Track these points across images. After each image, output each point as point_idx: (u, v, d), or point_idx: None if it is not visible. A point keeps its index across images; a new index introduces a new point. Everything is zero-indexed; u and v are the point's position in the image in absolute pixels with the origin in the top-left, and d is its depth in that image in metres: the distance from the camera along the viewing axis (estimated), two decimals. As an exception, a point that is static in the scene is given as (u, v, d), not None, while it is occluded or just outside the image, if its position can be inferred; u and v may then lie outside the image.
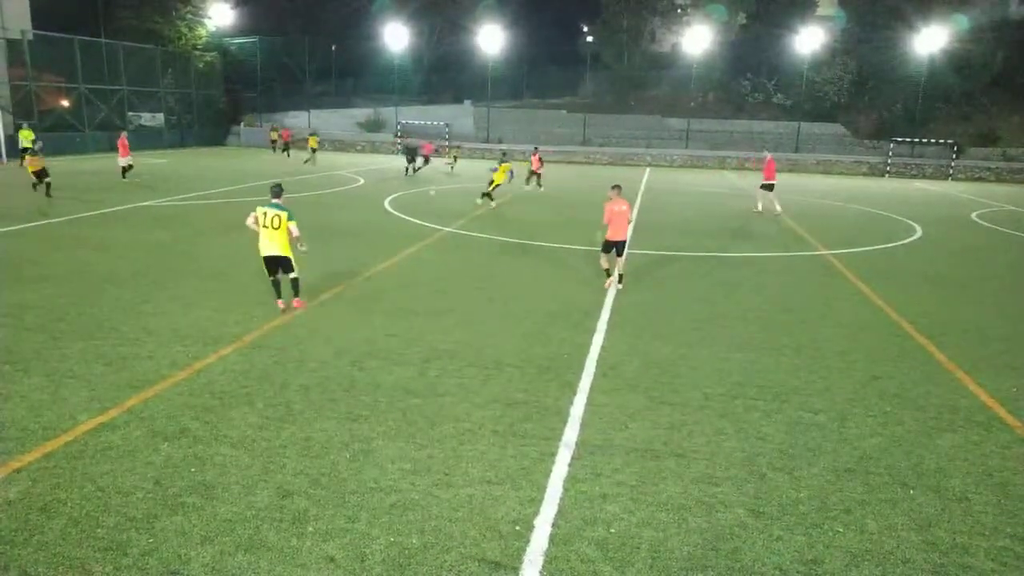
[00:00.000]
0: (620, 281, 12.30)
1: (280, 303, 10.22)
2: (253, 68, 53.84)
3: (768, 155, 24.82)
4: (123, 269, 12.47)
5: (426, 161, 35.49)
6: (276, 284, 10.28)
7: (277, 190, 9.99)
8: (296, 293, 10.33)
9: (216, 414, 6.74)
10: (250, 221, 9.94)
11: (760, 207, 23.79)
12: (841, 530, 5.20)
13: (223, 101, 51.47)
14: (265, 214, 9.81)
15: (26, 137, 29.72)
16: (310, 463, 5.89)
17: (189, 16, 48.83)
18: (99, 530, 4.88)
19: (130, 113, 43.55)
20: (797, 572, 4.70)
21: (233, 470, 5.73)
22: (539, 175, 28.30)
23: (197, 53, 48.99)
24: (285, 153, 40.87)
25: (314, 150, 36.47)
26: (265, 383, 7.54)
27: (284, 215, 9.81)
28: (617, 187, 12.22)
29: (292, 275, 10.15)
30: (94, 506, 5.16)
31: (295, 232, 9.92)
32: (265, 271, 10.22)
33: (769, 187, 23.24)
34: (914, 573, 4.73)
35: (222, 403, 6.99)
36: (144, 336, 8.89)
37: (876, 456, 6.38)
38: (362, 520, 5.11)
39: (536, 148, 31.01)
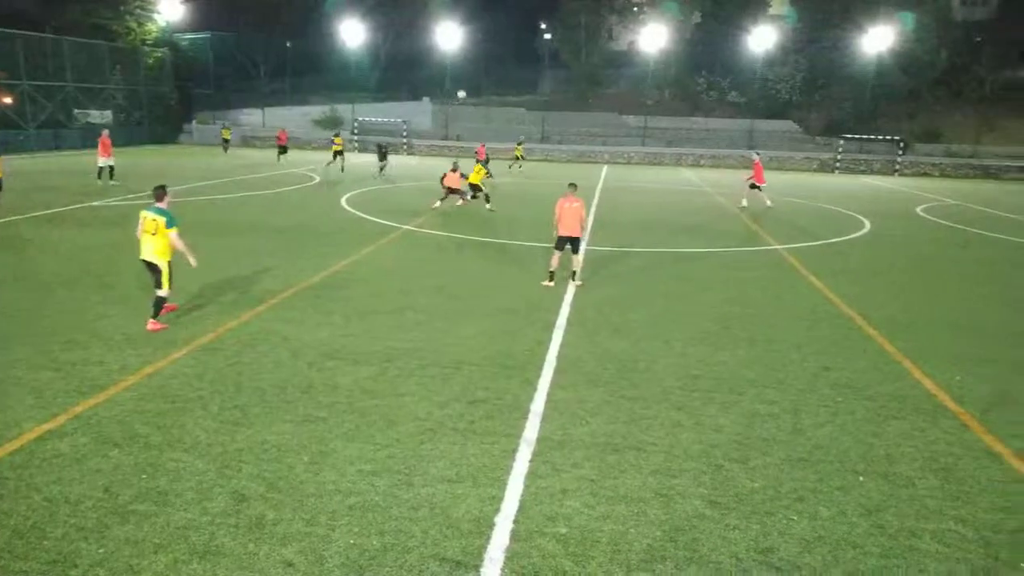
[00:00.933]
0: (574, 278, 12.32)
1: (153, 324, 9.12)
2: (205, 64, 52.72)
3: (756, 157, 26.16)
4: (71, 271, 12.11)
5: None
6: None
7: (159, 192, 9.15)
8: (154, 314, 9.15)
9: (169, 419, 6.59)
10: (139, 230, 9.18)
11: (745, 202, 24.92)
12: (795, 518, 5.32)
13: (174, 98, 50.23)
14: (144, 218, 9.04)
15: None
16: (267, 467, 5.80)
17: (138, 11, 47.56)
18: (46, 542, 4.73)
19: (77, 111, 42.24)
20: (753, 560, 4.80)
21: (187, 476, 5.61)
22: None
23: (147, 49, 47.74)
24: (280, 158, 36.75)
25: (338, 153, 32.88)
26: (219, 386, 7.40)
27: (162, 221, 8.93)
28: (573, 185, 12.26)
29: (158, 291, 9.10)
30: (40, 517, 5.00)
31: (176, 243, 9.00)
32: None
33: (757, 187, 24.63)
34: (864, 557, 4.87)
35: (175, 407, 6.84)
36: (93, 340, 8.65)
37: (827, 445, 6.54)
38: (321, 523, 5.05)
39: (483, 144, 31.26)
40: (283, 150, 37.56)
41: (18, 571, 4.44)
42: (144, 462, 5.79)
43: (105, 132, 24.91)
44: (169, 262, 9.17)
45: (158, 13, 48.72)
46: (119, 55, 45.33)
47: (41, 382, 7.32)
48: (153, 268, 9.13)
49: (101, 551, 4.66)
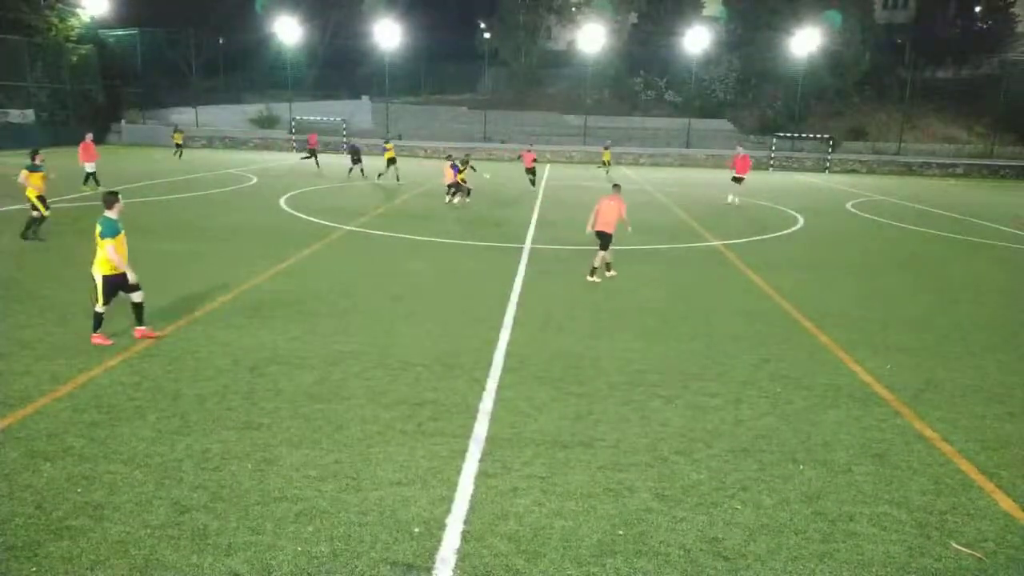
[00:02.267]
0: (608, 270, 13.06)
1: (94, 338, 8.56)
2: (134, 62, 50.78)
3: (741, 151, 27.05)
4: (-8, 278, 11.51)
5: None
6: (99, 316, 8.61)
7: (109, 198, 8.48)
8: (139, 320, 8.79)
9: (104, 430, 6.34)
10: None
11: (732, 198, 25.78)
12: (739, 507, 5.46)
13: (101, 96, 48.24)
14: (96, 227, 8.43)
15: None
16: (209, 476, 5.63)
17: (60, 5, 45.43)
18: (-28, 562, 4.49)
19: (-5, 110, 40.22)
20: (700, 550, 4.90)
21: (124, 488, 5.40)
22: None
23: (70, 45, 45.70)
24: (312, 160, 33.96)
25: (391, 160, 29.45)
26: (157, 395, 7.15)
27: (97, 230, 8.30)
28: (616, 186, 12.91)
29: (133, 298, 8.62)
30: (-34, 537, 4.74)
31: (111, 256, 8.25)
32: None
33: (739, 180, 25.66)
34: (806, 543, 5.03)
35: (110, 418, 6.58)
36: (19, 349, 8.25)
37: (768, 435, 6.73)
38: (267, 531, 4.94)
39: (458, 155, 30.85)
40: (312, 154, 34.23)
41: (-58, 596, 4.20)
42: (78, 475, 5.55)
43: (89, 136, 23.25)
44: (106, 276, 8.36)
45: (81, 8, 46.65)
46: (40, 52, 43.28)
47: (-38, 395, 6.94)
48: (110, 280, 8.44)
49: (34, 570, 4.45)
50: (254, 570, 4.53)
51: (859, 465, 6.18)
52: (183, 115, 51.15)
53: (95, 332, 8.58)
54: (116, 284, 8.47)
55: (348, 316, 10.13)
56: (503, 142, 49.71)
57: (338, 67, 61.24)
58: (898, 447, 6.55)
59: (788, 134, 48.06)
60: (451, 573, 4.58)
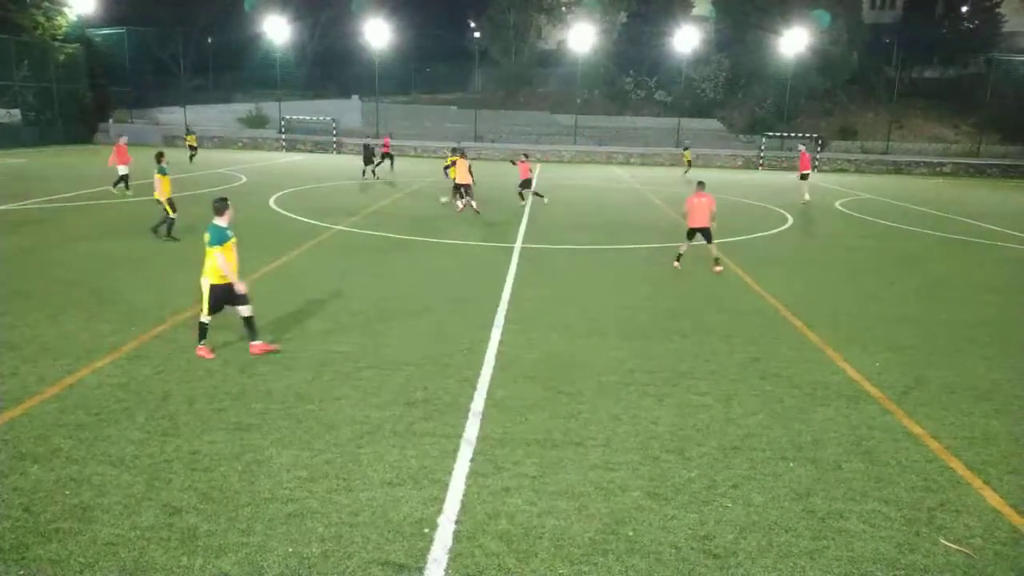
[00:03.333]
0: (717, 263, 14.02)
1: (198, 349, 8.29)
2: (122, 61, 50.45)
3: (802, 149, 28.15)
4: (-22, 279, 11.41)
5: (386, 159, 32.27)
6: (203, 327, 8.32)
7: (219, 206, 8.24)
8: (252, 335, 8.40)
9: (92, 431, 6.29)
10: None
11: (808, 196, 26.90)
12: (730, 505, 5.48)
13: (88, 96, 47.88)
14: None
15: None
16: (199, 477, 5.60)
17: (47, 4, 45.05)
18: (-41, 566, 4.45)
19: (-21, 109, 39.88)
20: (691, 549, 4.91)
21: (113, 490, 5.37)
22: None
23: (57, 44, 45.33)
24: (385, 166, 32.36)
25: (448, 169, 26.12)
26: (146, 396, 7.11)
27: (205, 237, 8.09)
28: (701, 184, 13.98)
29: (242, 312, 8.28)
30: (-48, 540, 4.70)
31: (220, 264, 7.97)
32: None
33: (804, 177, 27.10)
34: (796, 540, 5.05)
35: (99, 419, 6.53)
36: (5, 351, 8.18)
37: (759, 433, 6.76)
38: (257, 533, 4.92)
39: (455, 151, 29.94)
40: (388, 157, 32.79)
41: (-72, 600, 4.16)
42: (66, 477, 5.51)
43: (123, 139, 22.81)
44: (214, 285, 8.07)
45: (68, 7, 46.29)
46: (26, 50, 42.93)
47: (-52, 397, 6.88)
48: (217, 291, 8.16)
49: (22, 573, 4.41)
50: (245, 571, 4.51)
51: (849, 462, 6.22)
52: (171, 114, 50.90)
53: (200, 344, 8.25)
54: (223, 294, 8.11)
55: (338, 316, 10.10)
56: (493, 141, 49.68)
57: (328, 66, 61.08)
58: (887, 444, 6.59)
59: (778, 133, 48.27)
60: (443, 573, 4.57)
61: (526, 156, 24.55)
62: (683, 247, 14.14)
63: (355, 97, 56.85)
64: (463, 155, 21.82)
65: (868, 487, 5.81)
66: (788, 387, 7.96)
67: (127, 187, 22.20)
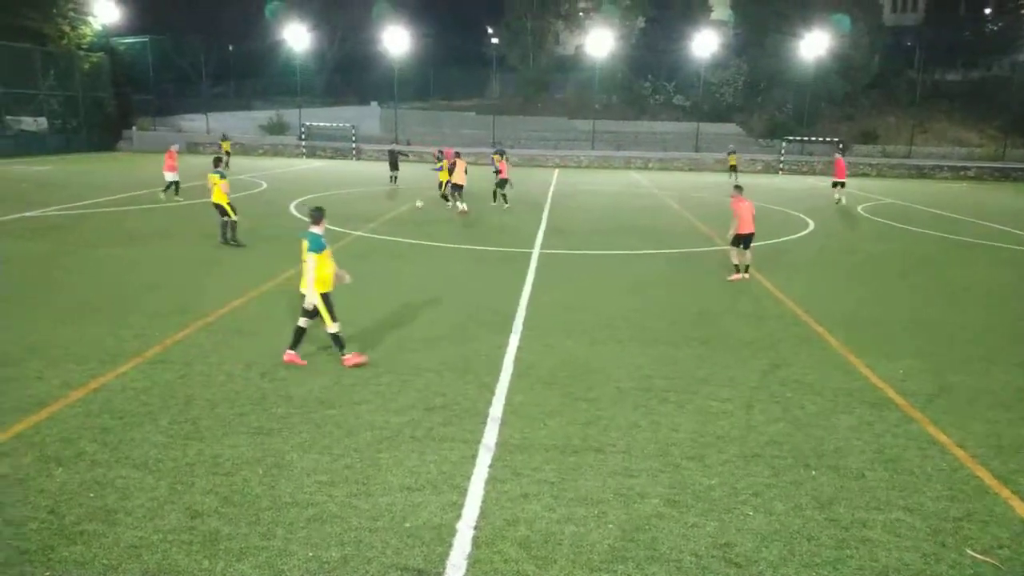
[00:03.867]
0: (746, 271, 13.55)
1: (346, 359, 8.26)
2: (144, 69, 51.16)
3: (838, 156, 28.55)
4: (4, 285, 11.60)
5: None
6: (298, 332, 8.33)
7: (316, 215, 8.24)
8: (339, 348, 8.29)
9: (116, 435, 6.37)
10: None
11: (841, 199, 27.20)
12: (751, 513, 5.43)
13: (112, 104, 48.60)
14: (301, 244, 8.12)
15: None
16: (220, 481, 5.65)
17: (72, 14, 45.83)
18: (-13, 567, 4.52)
19: (8, 117, 40.58)
20: (712, 557, 4.87)
21: (137, 493, 5.43)
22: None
23: (82, 53, 46.09)
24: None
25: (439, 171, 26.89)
26: (169, 400, 7.18)
27: (304, 245, 8.01)
28: (739, 187, 13.88)
29: (327, 329, 8.16)
30: (-20, 542, 4.77)
31: (307, 272, 7.94)
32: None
33: (840, 184, 27.23)
34: (819, 549, 4.99)
35: (123, 423, 6.61)
36: (30, 356, 8.30)
37: (780, 440, 6.69)
38: (278, 536, 4.95)
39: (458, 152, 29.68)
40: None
41: (-43, 600, 4.23)
42: (91, 480, 5.58)
43: (174, 146, 23.22)
44: (324, 294, 8.07)
45: (93, 16, 47.05)
46: (52, 60, 43.68)
47: (-24, 401, 6.99)
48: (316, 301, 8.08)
49: (47, 574, 4.47)
50: (265, 575, 4.53)
51: (872, 471, 6.14)
52: (193, 122, 51.50)
53: (345, 354, 8.24)
54: (330, 299, 8.13)
55: (358, 321, 10.13)
56: (511, 147, 49.75)
57: (347, 73, 61.52)
58: (911, 453, 6.50)
59: (798, 137, 47.90)
60: (462, 579, 4.57)
61: (502, 154, 24.81)
62: (735, 257, 13.67)
63: (374, 103, 57.20)
64: (458, 155, 22.82)
65: (892, 496, 5.73)
66: (809, 394, 7.88)
67: (176, 192, 22.54)
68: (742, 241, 13.43)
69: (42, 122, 43.04)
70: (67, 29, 45.51)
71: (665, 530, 5.17)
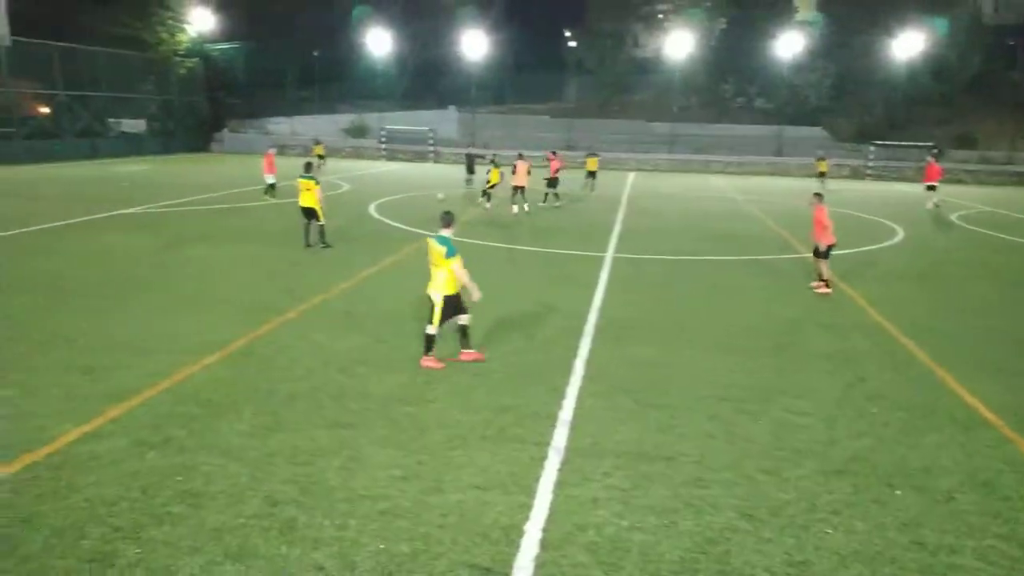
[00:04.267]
0: (825, 284, 12.84)
1: (425, 360, 8.32)
2: (235, 74, 53.49)
3: (930, 159, 28.38)
4: (102, 277, 12.33)
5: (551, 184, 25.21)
6: (430, 338, 8.35)
7: (447, 219, 8.32)
8: (425, 348, 8.35)
9: (202, 423, 6.68)
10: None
11: (931, 204, 26.83)
12: (830, 531, 5.23)
13: (205, 107, 51.03)
14: (430, 246, 8.27)
15: None
16: (299, 471, 5.84)
17: (170, 22, 48.39)
18: (84, 541, 4.81)
19: (111, 120, 43.12)
20: (786, 574, 4.72)
21: (221, 479, 5.67)
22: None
23: (178, 59, 48.60)
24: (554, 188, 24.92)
25: (592, 173, 29.92)
26: (252, 391, 7.48)
27: (442, 250, 8.02)
28: (819, 195, 13.20)
29: (427, 328, 8.31)
30: (79, 517, 5.09)
31: (461, 276, 8.07)
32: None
33: (932, 188, 27.03)
34: (902, 573, 4.76)
35: (208, 412, 6.92)
36: (126, 345, 8.80)
37: (863, 457, 6.42)
38: (351, 528, 5.08)
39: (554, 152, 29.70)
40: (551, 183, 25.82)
41: (59, 569, 4.52)
42: (179, 465, 5.87)
43: (272, 149, 24.57)
44: (448, 296, 8.16)
45: (189, 24, 49.54)
46: (152, 65, 46.22)
47: (74, 386, 7.46)
48: (450, 301, 8.21)
49: (138, 551, 4.72)
50: (338, 564, 4.66)
51: (963, 494, 5.81)
52: (279, 125, 53.40)
53: (427, 354, 8.30)
54: (454, 305, 8.26)
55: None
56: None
57: (426, 77, 62.55)
58: (1007, 476, 6.12)
59: (887, 142, 45.86)
60: (529, 580, 4.58)
61: (554, 153, 25.46)
62: (825, 270, 12.85)
63: (451, 107, 57.98)
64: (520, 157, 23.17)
65: (985, 521, 5.41)
66: (896, 409, 7.54)
67: (272, 195, 23.46)
68: (819, 251, 12.79)
69: (141, 124, 45.56)
70: (166, 36, 48.06)
71: (738, 544, 5.04)
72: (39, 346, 8.65)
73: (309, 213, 15.18)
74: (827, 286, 12.78)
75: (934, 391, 8.13)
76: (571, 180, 29.59)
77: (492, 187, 22.55)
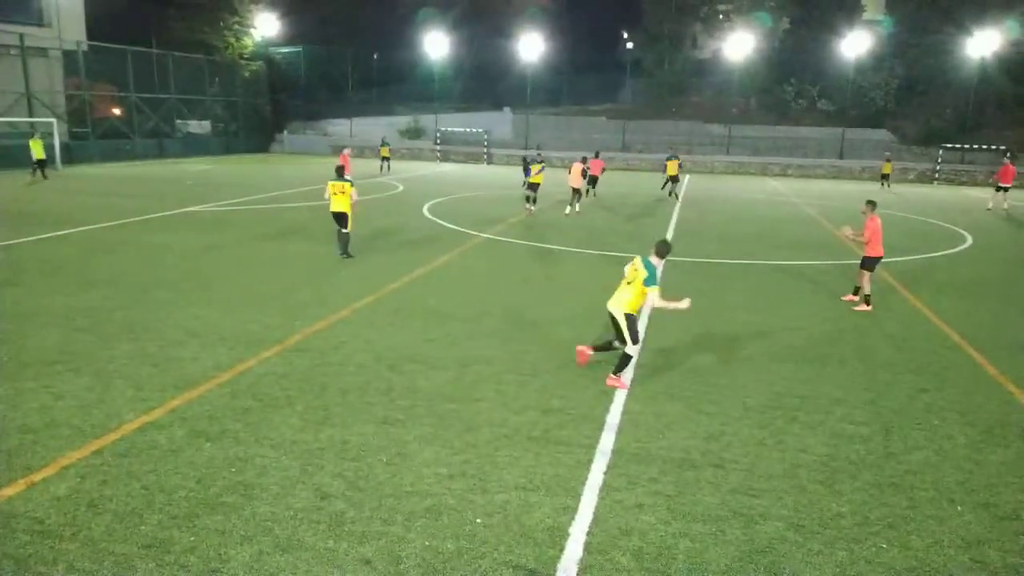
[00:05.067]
0: (866, 301, 11.78)
1: (611, 379, 8.00)
2: (297, 76, 54.86)
3: (1007, 161, 28.66)
4: (168, 272, 12.80)
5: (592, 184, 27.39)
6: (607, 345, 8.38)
7: (662, 248, 8.02)
8: (618, 367, 7.94)
9: (257, 416, 6.86)
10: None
11: (999, 205, 27.66)
12: (884, 546, 5.06)
13: (267, 109, 52.49)
14: (634, 264, 8.01)
15: (38, 148, 27.18)
16: (348, 466, 5.95)
17: (236, 26, 49.98)
18: (143, 527, 5.00)
19: (178, 121, 44.74)
20: (838, 588, 4.59)
21: (273, 471, 5.82)
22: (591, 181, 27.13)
23: (243, 62, 50.12)
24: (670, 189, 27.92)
25: (676, 177, 28.25)
26: (305, 386, 7.65)
27: (643, 274, 7.73)
28: (872, 203, 11.98)
29: (624, 347, 7.97)
30: (139, 503, 5.29)
31: (659, 304, 7.73)
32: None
33: (1004, 189, 27.52)
34: (962, 593, 4.58)
35: (263, 405, 7.12)
36: (188, 338, 9.11)
37: (922, 471, 6.20)
38: (398, 523, 5.14)
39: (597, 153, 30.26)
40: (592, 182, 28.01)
41: (118, 553, 4.70)
42: (233, 456, 6.05)
43: (346, 150, 25.04)
44: (630, 315, 7.91)
45: (254, 28, 51.06)
46: (218, 68, 47.78)
47: (141, 376, 7.76)
48: (614, 321, 8.03)
49: (192, 539, 4.88)
50: (384, 560, 4.73)
51: (1030, 512, 5.55)
52: (339, 126, 54.53)
53: (617, 374, 7.94)
54: (634, 323, 8.01)
55: (481, 320, 10.37)
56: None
57: (481, 80, 62.98)
58: (1079, 496, 5.82)
59: (957, 145, 44.09)
60: (572, 583, 4.56)
61: (596, 154, 25.96)
62: (867, 285, 11.82)
63: (506, 109, 58.21)
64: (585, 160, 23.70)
65: (1053, 542, 5.16)
66: (960, 423, 7.25)
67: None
68: (867, 263, 11.78)
69: (206, 125, 47.14)
70: (232, 40, 49.65)
71: (787, 555, 4.93)
72: (110, 338, 9.03)
73: (339, 218, 14.36)
74: (867, 303, 11.73)
75: (1003, 405, 7.78)
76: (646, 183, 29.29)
77: (534, 187, 21.97)
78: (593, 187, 26.64)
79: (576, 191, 22.26)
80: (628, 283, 7.95)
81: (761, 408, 7.47)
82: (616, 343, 8.19)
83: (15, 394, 7.20)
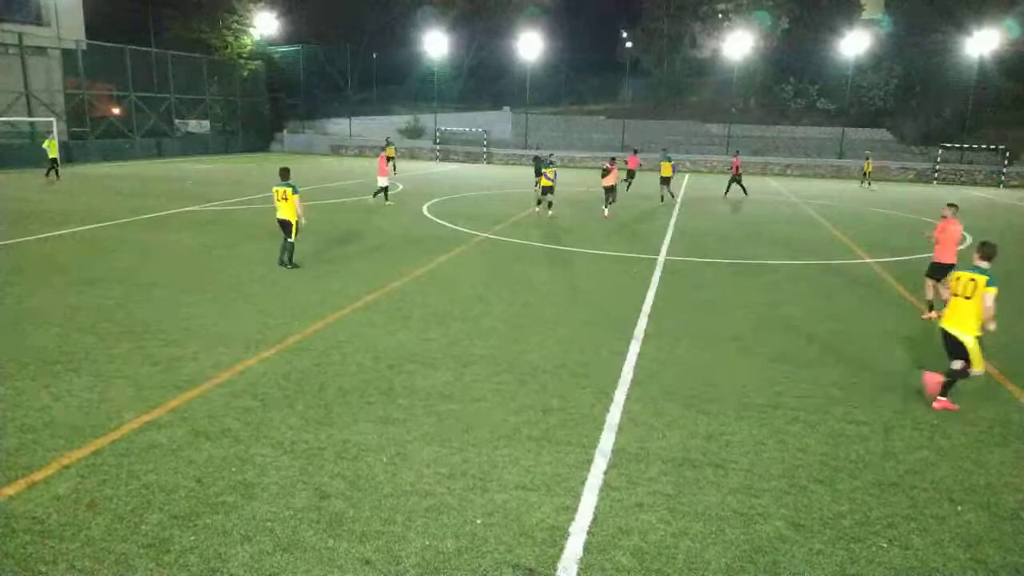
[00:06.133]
0: (932, 309, 11.23)
1: (940, 401, 7.60)
2: (296, 76, 54.82)
3: None
4: (168, 272, 12.78)
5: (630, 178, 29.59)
6: None
7: (987, 250, 7.70)
8: (945, 387, 7.55)
9: (257, 415, 6.86)
10: None
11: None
12: (885, 545, 5.07)
13: (266, 108, 52.45)
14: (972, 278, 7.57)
15: (52, 148, 26.98)
16: (347, 465, 5.95)
17: (235, 25, 49.92)
18: (143, 527, 5.00)
19: (177, 120, 44.69)
20: (838, 587, 4.59)
21: (272, 471, 5.82)
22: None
23: (242, 61, 50.06)
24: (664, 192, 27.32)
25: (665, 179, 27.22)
26: (305, 386, 7.65)
27: (984, 279, 7.42)
28: (953, 206, 11.44)
29: (973, 371, 7.50)
30: (139, 503, 5.29)
31: (989, 301, 7.47)
32: None
33: None
34: (961, 592, 4.58)
35: (263, 404, 7.11)
36: (187, 338, 9.10)
37: (922, 470, 6.20)
38: (398, 523, 5.14)
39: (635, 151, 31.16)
40: (630, 176, 30.44)
41: (118, 553, 4.70)
42: (233, 456, 6.04)
43: (384, 152, 25.04)
44: (980, 338, 7.55)
45: (253, 27, 51.00)
46: (217, 67, 47.73)
47: (141, 376, 7.76)
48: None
49: (192, 538, 4.88)
50: (384, 559, 4.73)
51: (1029, 512, 5.56)
52: (338, 126, 54.51)
53: (944, 395, 7.57)
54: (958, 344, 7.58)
55: (480, 320, 10.37)
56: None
57: (481, 79, 63.03)
58: (1079, 496, 5.83)
59: (956, 145, 44.11)
60: (572, 583, 4.56)
61: (613, 160, 24.41)
62: (930, 291, 11.33)
63: (506, 108, 58.27)
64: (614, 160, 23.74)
65: (1053, 541, 5.17)
66: (960, 423, 7.25)
67: (386, 198, 23.90)
68: (937, 272, 11.16)
69: (205, 125, 47.10)
70: (231, 39, 49.59)
71: (787, 554, 4.93)
72: (110, 338, 9.02)
73: (284, 227, 13.07)
74: (930, 308, 11.25)
75: (1003, 405, 7.79)
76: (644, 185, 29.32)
77: (548, 191, 21.82)
78: (631, 179, 29.62)
79: (610, 191, 22.49)
80: (966, 297, 7.50)
81: (761, 408, 7.47)
82: (955, 365, 7.57)
83: (15, 394, 7.20)
